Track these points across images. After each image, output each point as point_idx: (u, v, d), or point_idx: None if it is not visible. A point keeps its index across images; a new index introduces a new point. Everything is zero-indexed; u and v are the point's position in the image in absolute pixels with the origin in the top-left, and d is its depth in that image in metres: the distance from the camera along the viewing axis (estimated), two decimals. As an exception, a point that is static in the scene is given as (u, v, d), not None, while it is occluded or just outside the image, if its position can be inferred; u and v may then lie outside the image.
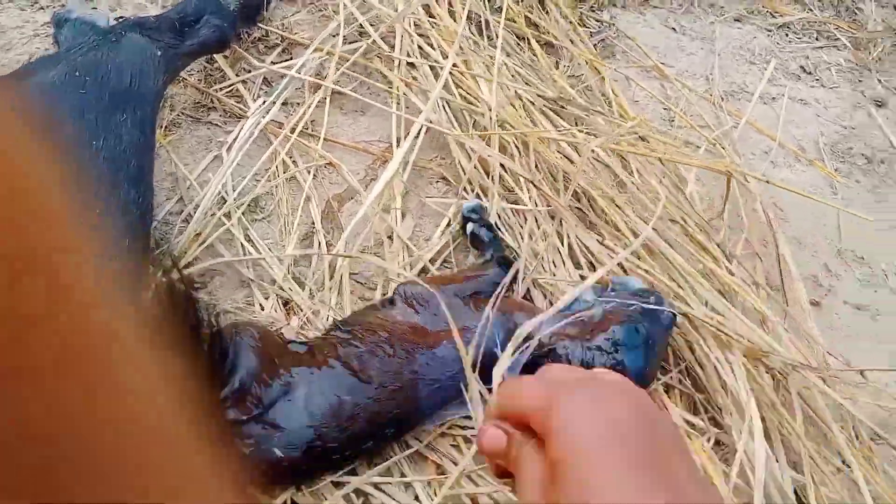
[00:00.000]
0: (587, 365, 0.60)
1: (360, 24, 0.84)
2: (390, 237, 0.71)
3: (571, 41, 0.95)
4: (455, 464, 0.59)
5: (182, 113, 0.77)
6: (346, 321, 0.62)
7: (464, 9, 0.87)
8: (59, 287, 0.16)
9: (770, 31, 1.17)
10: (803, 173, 0.98)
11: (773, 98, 1.06)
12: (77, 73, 0.58)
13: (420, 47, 0.85)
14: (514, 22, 0.94)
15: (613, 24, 1.04)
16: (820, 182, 0.97)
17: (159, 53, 0.66)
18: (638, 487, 0.35)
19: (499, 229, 0.73)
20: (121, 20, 0.79)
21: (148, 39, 0.66)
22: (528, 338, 0.59)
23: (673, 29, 1.11)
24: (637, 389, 0.39)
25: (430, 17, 0.87)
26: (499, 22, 0.89)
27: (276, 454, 0.53)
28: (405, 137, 0.75)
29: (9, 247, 0.14)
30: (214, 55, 0.80)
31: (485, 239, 0.71)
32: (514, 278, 0.68)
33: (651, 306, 0.63)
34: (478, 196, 0.76)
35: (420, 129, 0.73)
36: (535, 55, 0.92)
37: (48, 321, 0.15)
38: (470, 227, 0.72)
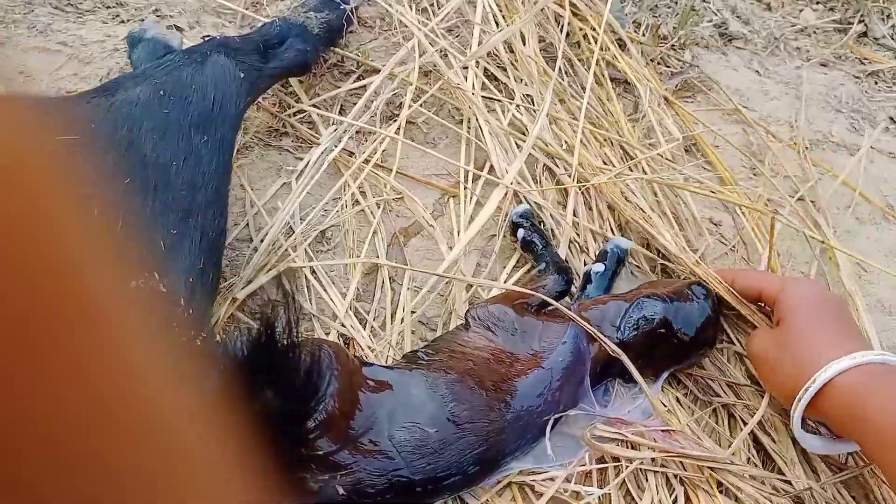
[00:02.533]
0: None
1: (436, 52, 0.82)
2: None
3: (650, 81, 0.92)
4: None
5: (255, 136, 0.76)
6: (430, 346, 0.60)
7: (557, 46, 0.84)
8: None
9: (858, 78, 1.12)
10: (891, 232, 0.92)
11: (859, 149, 1.01)
12: (161, 92, 0.57)
13: (496, 79, 0.84)
14: (598, 63, 0.92)
15: (696, 65, 1.00)
16: (908, 242, 0.92)
17: (242, 75, 0.65)
18: (835, 335, 0.58)
19: (552, 235, 0.71)
20: (206, 38, 0.79)
21: (232, 61, 0.65)
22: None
23: (757, 72, 1.07)
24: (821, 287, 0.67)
25: (509, 50, 0.85)
26: (581, 59, 0.86)
27: (365, 485, 0.51)
28: (474, 180, 0.73)
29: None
30: (290, 80, 0.79)
31: (538, 246, 0.69)
32: (570, 285, 0.67)
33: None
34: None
35: (505, 192, 0.71)
36: (609, 96, 0.89)
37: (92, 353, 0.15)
38: (521, 233, 0.70)
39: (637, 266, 0.74)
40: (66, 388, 0.15)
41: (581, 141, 0.78)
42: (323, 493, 0.44)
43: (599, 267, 0.68)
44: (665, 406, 0.64)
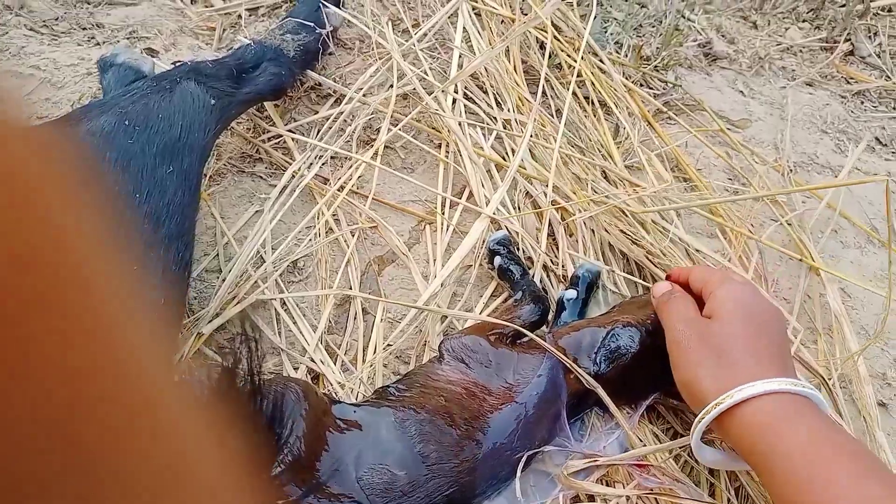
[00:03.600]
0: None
1: (415, 80, 0.81)
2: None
3: (629, 104, 0.91)
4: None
5: (228, 162, 0.75)
6: (401, 381, 0.59)
7: (539, 70, 0.83)
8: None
9: (844, 97, 1.11)
10: (875, 256, 0.91)
11: (843, 169, 1.00)
12: (127, 122, 0.56)
13: (475, 103, 0.83)
14: (578, 86, 0.91)
15: (679, 86, 0.99)
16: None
17: (213, 102, 0.64)
18: (764, 352, 0.55)
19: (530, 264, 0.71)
20: (177, 64, 0.77)
21: (203, 87, 0.63)
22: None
23: (741, 92, 1.06)
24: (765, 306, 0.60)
25: (490, 74, 0.84)
26: (562, 82, 0.85)
27: None
28: (451, 206, 0.72)
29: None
30: (265, 104, 0.78)
31: (515, 274, 0.68)
32: (546, 315, 0.66)
33: None
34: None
35: (486, 226, 0.70)
36: (596, 118, 0.89)
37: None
38: (497, 260, 0.69)
39: (614, 291, 0.73)
40: (56, 387, 0.15)
41: (560, 166, 0.76)
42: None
43: (571, 293, 0.68)
44: (642, 441, 0.63)
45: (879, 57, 1.18)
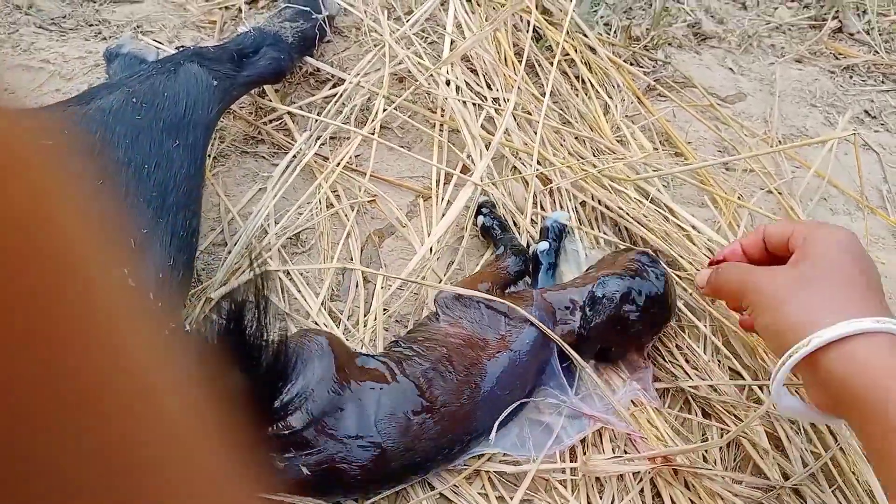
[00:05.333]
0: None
1: (409, 60, 0.84)
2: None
3: (620, 81, 0.94)
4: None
5: (231, 144, 0.78)
6: (406, 337, 0.62)
7: (525, 50, 0.86)
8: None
9: (833, 73, 1.13)
10: (864, 222, 0.93)
11: (835, 143, 1.02)
12: (134, 100, 0.59)
13: (468, 84, 0.85)
14: (568, 63, 0.94)
15: (669, 63, 1.02)
16: (882, 232, 0.93)
17: (215, 83, 0.67)
18: (862, 289, 0.50)
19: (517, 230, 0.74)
20: (181, 49, 0.81)
21: (205, 70, 0.67)
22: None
23: (731, 69, 1.08)
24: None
25: (482, 55, 0.87)
26: (550, 62, 0.88)
27: (339, 467, 0.53)
28: (446, 182, 0.75)
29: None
30: (265, 89, 0.81)
31: (497, 231, 0.72)
32: (528, 265, 0.70)
33: None
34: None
35: (474, 194, 0.73)
36: (587, 95, 0.91)
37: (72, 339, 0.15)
38: (480, 220, 0.73)
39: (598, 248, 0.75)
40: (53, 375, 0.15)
41: (550, 141, 0.79)
42: (290, 471, 0.46)
43: (544, 245, 0.71)
44: (636, 406, 0.65)
45: (868, 34, 1.20)
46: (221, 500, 0.21)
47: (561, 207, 0.77)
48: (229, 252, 0.67)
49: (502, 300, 0.62)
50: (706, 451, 0.62)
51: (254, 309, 0.40)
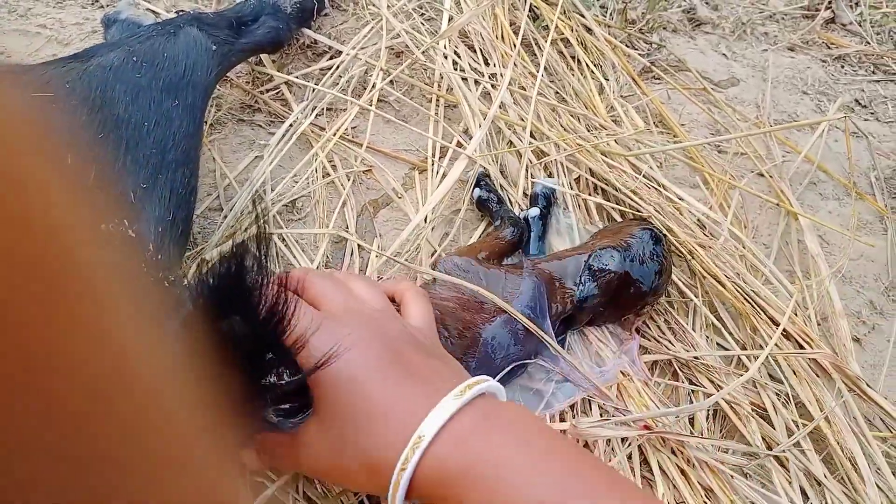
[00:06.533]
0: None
1: (405, 34, 0.85)
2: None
3: (615, 62, 0.94)
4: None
5: (228, 112, 0.78)
6: None
7: (521, 27, 0.87)
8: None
9: (825, 62, 1.14)
10: (851, 207, 0.95)
11: (825, 129, 1.04)
12: (135, 59, 0.59)
13: (463, 60, 0.86)
14: (564, 44, 0.94)
15: (663, 47, 1.03)
16: (870, 217, 0.94)
17: (214, 48, 0.67)
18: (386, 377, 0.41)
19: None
20: (180, 13, 0.81)
21: (204, 34, 0.67)
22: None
23: (724, 55, 1.09)
24: (378, 311, 0.47)
25: (480, 32, 0.87)
26: (545, 38, 0.89)
27: None
28: (442, 156, 0.75)
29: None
30: (262, 59, 0.81)
31: (493, 204, 0.73)
32: (524, 235, 0.71)
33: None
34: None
35: (472, 168, 0.74)
36: (583, 75, 0.92)
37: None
38: (476, 192, 0.74)
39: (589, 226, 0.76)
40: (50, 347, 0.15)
41: (543, 116, 0.80)
42: (283, 425, 0.46)
43: (535, 211, 0.72)
44: (624, 376, 0.66)
45: (860, 25, 1.22)
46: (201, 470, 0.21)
47: (551, 176, 0.78)
48: (225, 217, 0.67)
49: (499, 267, 0.63)
50: (692, 417, 0.63)
51: (255, 252, 0.40)
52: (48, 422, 0.15)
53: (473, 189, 0.74)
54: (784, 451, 0.61)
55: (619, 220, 0.76)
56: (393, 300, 0.53)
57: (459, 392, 0.40)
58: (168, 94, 0.58)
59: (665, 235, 0.70)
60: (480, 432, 0.39)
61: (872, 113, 1.09)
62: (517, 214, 0.72)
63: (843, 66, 1.15)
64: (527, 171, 0.76)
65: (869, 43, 1.18)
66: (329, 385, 0.42)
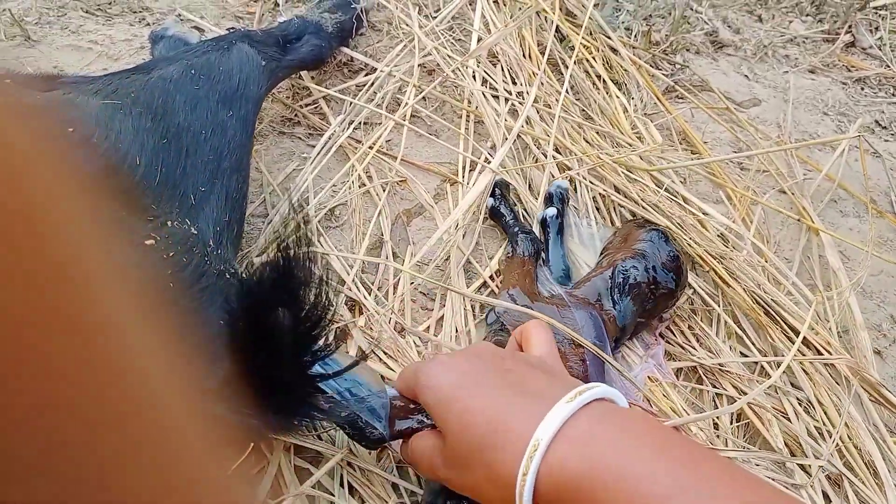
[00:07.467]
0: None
1: (436, 52, 0.88)
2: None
3: (640, 81, 0.97)
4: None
5: (270, 125, 0.82)
6: None
7: (542, 50, 0.90)
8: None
9: (845, 84, 1.17)
10: (873, 224, 0.97)
11: (846, 149, 1.06)
12: (193, 72, 0.63)
13: (491, 78, 0.89)
14: (590, 63, 0.98)
15: (687, 67, 1.06)
16: (891, 235, 0.96)
17: (264, 63, 0.71)
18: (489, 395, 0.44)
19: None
20: (231, 30, 0.85)
21: (255, 50, 0.71)
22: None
23: (746, 76, 1.12)
24: (482, 345, 0.51)
25: (506, 52, 0.91)
26: (571, 58, 0.92)
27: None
28: (471, 170, 0.78)
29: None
30: (302, 74, 0.85)
31: (506, 215, 0.75)
32: (540, 245, 0.73)
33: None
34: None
35: (492, 178, 0.77)
36: (608, 93, 0.95)
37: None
38: (490, 201, 0.77)
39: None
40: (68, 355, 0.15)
41: (567, 132, 0.83)
42: (332, 412, 0.49)
43: (552, 211, 0.75)
44: (651, 381, 0.68)
45: (880, 49, 1.24)
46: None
47: (576, 192, 0.81)
48: (269, 221, 0.71)
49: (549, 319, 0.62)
50: (717, 421, 0.65)
51: (298, 248, 0.43)
52: (48, 421, 0.15)
53: (488, 199, 0.77)
54: (826, 460, 0.62)
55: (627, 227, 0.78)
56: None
57: (570, 398, 0.42)
58: (223, 106, 0.62)
59: (674, 238, 0.72)
60: (598, 434, 0.40)
61: (893, 134, 1.11)
62: (530, 224, 0.75)
63: (863, 89, 1.17)
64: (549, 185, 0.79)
65: (889, 66, 1.20)
66: (453, 410, 0.45)
